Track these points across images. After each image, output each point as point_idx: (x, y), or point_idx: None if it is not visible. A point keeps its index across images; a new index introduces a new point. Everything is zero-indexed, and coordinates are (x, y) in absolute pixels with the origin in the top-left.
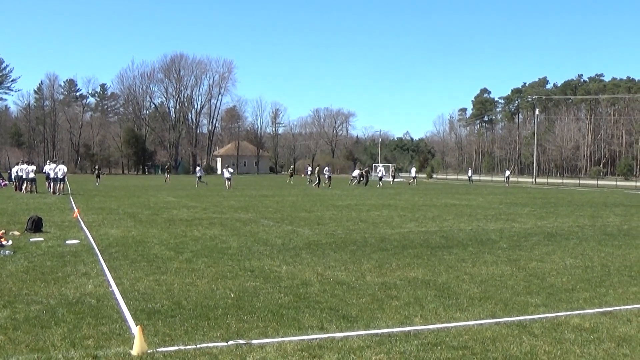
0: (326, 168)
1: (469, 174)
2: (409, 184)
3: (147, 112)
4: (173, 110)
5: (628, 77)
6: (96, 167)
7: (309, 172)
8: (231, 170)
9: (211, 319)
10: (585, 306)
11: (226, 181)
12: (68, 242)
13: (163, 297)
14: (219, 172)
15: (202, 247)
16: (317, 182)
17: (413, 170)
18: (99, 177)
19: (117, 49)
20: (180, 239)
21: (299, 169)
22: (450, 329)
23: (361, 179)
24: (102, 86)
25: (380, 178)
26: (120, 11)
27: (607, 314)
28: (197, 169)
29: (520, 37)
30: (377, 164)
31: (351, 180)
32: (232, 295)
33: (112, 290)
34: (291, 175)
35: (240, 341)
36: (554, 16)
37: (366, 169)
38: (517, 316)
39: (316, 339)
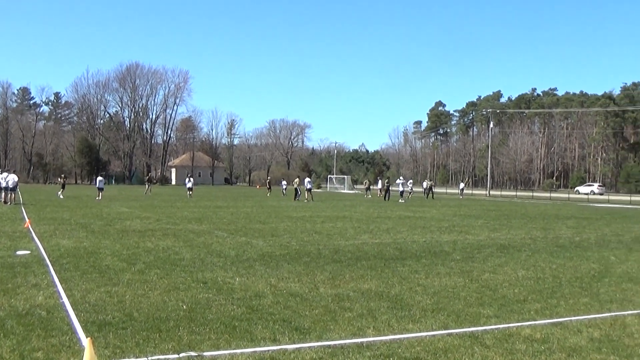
0: (307, 180)
1: (424, 186)
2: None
3: (102, 121)
4: (128, 119)
5: (581, 92)
6: (62, 176)
7: (285, 186)
8: (192, 180)
9: (163, 331)
10: (537, 317)
11: (188, 191)
12: (18, 252)
13: (114, 309)
14: (173, 182)
15: (154, 259)
16: (296, 194)
17: (410, 182)
18: (64, 188)
19: (72, 57)
20: (133, 250)
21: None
22: (403, 341)
23: (386, 192)
24: (56, 95)
25: (402, 193)
26: (76, 19)
27: (558, 324)
28: (187, 179)
29: (474, 51)
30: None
31: (379, 191)
32: (184, 307)
33: (63, 301)
34: (269, 188)
35: (192, 353)
36: (508, 31)
37: (387, 180)
38: (469, 327)
39: (268, 350)
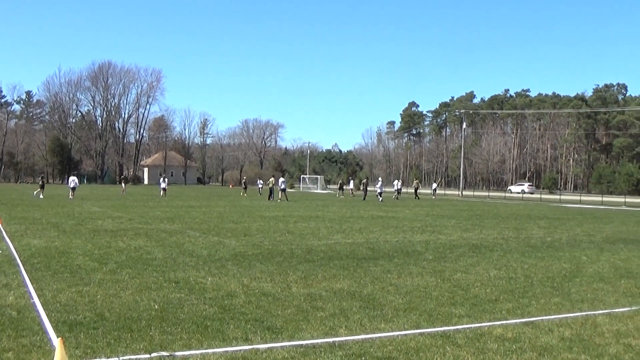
0: (281, 180)
1: (398, 186)
2: (395, 198)
3: (74, 120)
4: (100, 119)
5: (553, 93)
6: (42, 176)
7: (260, 186)
8: (167, 180)
9: (134, 331)
10: (508, 316)
11: (162, 191)
12: None
13: (85, 309)
14: (145, 182)
15: (126, 258)
16: (270, 194)
17: (396, 182)
18: (43, 188)
19: (44, 55)
20: (105, 249)
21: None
22: (375, 340)
23: (365, 192)
24: (28, 93)
25: (380, 193)
26: (48, 17)
27: (529, 324)
28: (161, 179)
29: (447, 52)
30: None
31: (351, 191)
32: (156, 306)
33: (34, 301)
34: (245, 188)
35: (164, 353)
36: (481, 32)
37: (365, 181)
38: (441, 327)
39: (240, 350)
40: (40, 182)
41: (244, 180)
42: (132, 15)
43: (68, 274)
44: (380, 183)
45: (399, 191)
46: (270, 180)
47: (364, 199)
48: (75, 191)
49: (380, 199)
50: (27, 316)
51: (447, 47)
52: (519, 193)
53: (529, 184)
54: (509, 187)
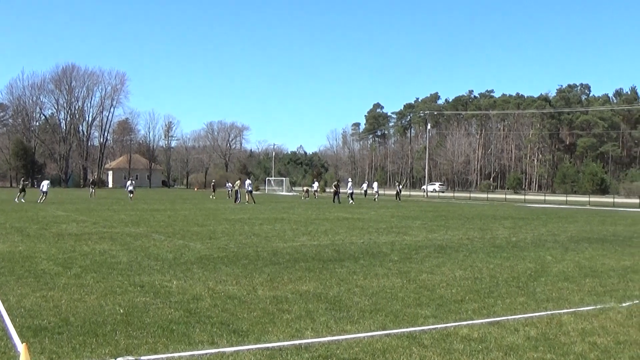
0: (247, 182)
1: (364, 187)
2: (374, 200)
3: (37, 123)
4: (64, 122)
5: (517, 94)
6: (22, 179)
7: (230, 188)
8: (134, 183)
9: (100, 336)
10: (474, 317)
11: (129, 194)
12: None
13: (50, 314)
14: (110, 185)
15: (91, 262)
16: (236, 197)
17: (375, 184)
18: (24, 192)
19: (7, 58)
20: (69, 254)
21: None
22: (341, 342)
23: (335, 194)
24: None
25: (351, 194)
26: (11, 20)
27: (495, 324)
28: (129, 182)
29: (411, 54)
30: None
31: (314, 193)
32: (121, 311)
33: None
34: (213, 190)
35: (130, 358)
36: (445, 33)
37: (335, 182)
38: (407, 327)
39: (206, 354)
40: (21, 186)
41: (212, 183)
42: (96, 18)
43: (32, 278)
44: (350, 184)
45: (366, 192)
46: (237, 182)
47: (334, 201)
48: (46, 195)
49: (351, 201)
50: None
51: (411, 49)
52: (432, 192)
53: (439, 183)
54: (422, 187)
